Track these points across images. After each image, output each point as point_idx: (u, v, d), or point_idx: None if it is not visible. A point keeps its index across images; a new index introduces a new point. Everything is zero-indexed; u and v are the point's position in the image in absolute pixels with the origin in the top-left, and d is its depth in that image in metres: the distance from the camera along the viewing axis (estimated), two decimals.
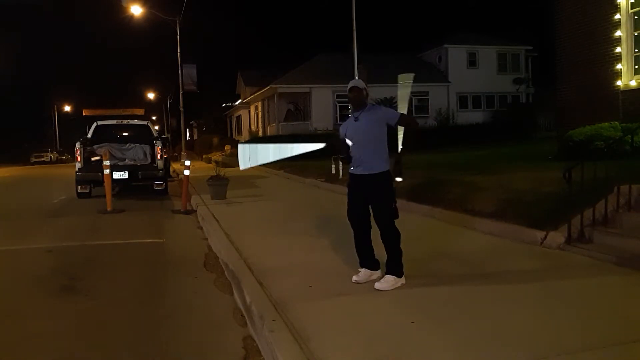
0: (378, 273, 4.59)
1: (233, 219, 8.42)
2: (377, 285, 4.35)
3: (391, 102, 27.24)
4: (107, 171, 10.40)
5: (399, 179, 4.55)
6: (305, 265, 5.29)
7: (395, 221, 4.46)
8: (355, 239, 4.65)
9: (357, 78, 13.25)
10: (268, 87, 28.74)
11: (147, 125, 14.00)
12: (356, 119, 4.56)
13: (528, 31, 36.32)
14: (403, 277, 4.42)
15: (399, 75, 4.94)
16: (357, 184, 4.55)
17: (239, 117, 41.23)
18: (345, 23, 15.07)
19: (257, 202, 10.77)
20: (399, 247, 4.43)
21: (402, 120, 4.50)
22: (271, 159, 5.14)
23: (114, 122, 13.80)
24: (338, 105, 28.59)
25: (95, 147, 12.96)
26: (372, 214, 4.52)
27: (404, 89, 4.88)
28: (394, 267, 4.40)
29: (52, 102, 62.03)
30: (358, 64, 14.43)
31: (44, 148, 52.98)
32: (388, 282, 4.35)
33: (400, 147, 4.58)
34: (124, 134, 14.05)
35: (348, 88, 4.62)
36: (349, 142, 4.59)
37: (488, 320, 3.63)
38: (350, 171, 4.67)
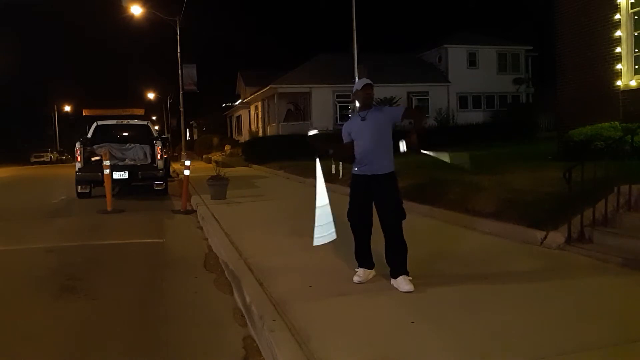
0: (374, 272, 4.62)
1: (233, 219, 8.41)
2: (405, 288, 4.21)
3: (391, 102, 27.28)
4: (107, 171, 10.41)
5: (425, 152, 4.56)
6: (305, 265, 5.29)
7: None
8: (357, 240, 4.60)
9: (357, 78, 13.26)
10: (268, 87, 28.71)
11: (147, 125, 14.01)
12: (363, 119, 4.47)
13: (528, 31, 36.28)
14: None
15: None
16: (362, 184, 4.44)
17: (239, 117, 41.22)
18: (345, 23, 15.09)
19: (257, 202, 10.77)
20: (405, 246, 4.40)
21: (407, 113, 4.46)
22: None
23: (114, 122, 13.81)
24: (338, 105, 28.58)
25: (95, 147, 12.97)
26: (378, 215, 4.45)
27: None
28: (404, 267, 4.35)
29: (52, 102, 62.11)
30: (358, 64, 14.42)
31: (44, 148, 52.99)
32: (408, 282, 4.27)
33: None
34: (124, 134, 14.05)
35: (362, 85, 4.48)
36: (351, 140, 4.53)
37: (488, 320, 3.63)
38: (353, 172, 4.58)
